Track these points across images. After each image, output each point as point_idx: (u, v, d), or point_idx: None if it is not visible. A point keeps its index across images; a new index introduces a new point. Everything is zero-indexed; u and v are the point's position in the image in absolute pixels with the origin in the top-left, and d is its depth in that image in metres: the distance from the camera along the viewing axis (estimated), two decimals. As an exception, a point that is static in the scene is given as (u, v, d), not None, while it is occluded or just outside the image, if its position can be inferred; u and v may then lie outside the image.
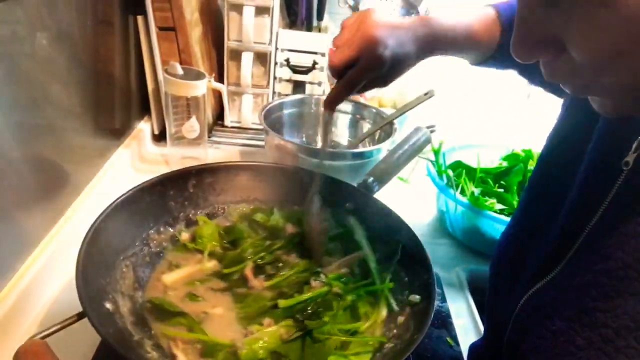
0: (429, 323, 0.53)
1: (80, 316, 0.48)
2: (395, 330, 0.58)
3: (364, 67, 0.61)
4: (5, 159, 0.64)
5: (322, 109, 1.12)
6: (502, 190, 0.98)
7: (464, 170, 1.01)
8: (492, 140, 1.11)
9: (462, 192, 0.95)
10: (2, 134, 0.63)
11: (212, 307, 0.61)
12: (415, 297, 0.59)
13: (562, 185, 0.51)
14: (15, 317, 0.65)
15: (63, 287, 0.73)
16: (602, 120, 0.48)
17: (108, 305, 0.52)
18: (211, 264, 0.66)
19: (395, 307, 0.62)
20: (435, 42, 0.65)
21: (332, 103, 0.66)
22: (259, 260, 0.67)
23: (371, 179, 0.76)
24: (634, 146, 0.42)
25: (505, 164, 1.04)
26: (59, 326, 0.46)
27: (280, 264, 0.68)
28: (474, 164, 1.01)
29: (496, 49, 0.69)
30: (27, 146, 0.69)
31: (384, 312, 0.62)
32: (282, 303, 0.60)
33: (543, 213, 0.54)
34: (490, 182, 1.00)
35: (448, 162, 1.02)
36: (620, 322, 0.40)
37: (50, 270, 0.72)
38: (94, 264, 0.54)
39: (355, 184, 0.76)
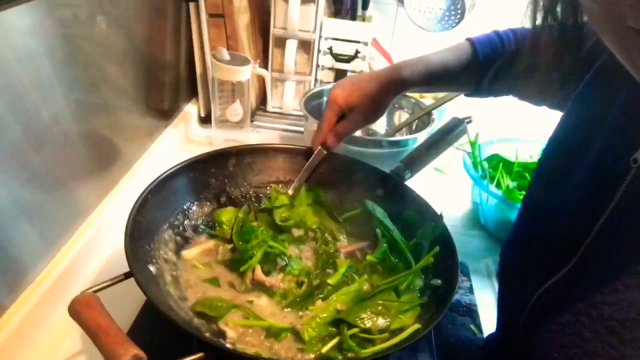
0: (448, 305, 0.55)
1: (127, 276, 0.53)
2: (420, 310, 0.61)
3: (326, 109, 0.74)
4: (64, 134, 0.70)
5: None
6: (539, 185, 0.97)
7: (501, 163, 1.00)
8: (532, 134, 1.10)
9: (498, 185, 0.95)
10: (62, 111, 0.69)
11: (256, 297, 0.63)
12: (437, 281, 0.61)
13: (568, 183, 0.52)
14: (72, 275, 0.71)
15: (114, 250, 0.80)
16: (611, 117, 0.48)
17: (152, 269, 0.57)
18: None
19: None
20: (395, 77, 0.72)
21: (313, 144, 0.76)
22: (268, 249, 0.67)
23: (404, 167, 0.78)
24: None
25: (544, 159, 1.02)
26: (108, 283, 0.52)
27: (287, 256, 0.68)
28: (511, 158, 1.00)
29: (478, 80, 0.74)
30: (83, 123, 0.75)
31: (418, 282, 0.65)
32: (332, 280, 0.63)
33: (552, 210, 0.54)
34: (528, 176, 0.99)
35: (485, 155, 1.02)
36: (626, 314, 0.40)
37: (102, 235, 0.79)
38: (140, 230, 0.59)
39: (388, 171, 0.77)
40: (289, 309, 0.62)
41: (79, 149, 0.75)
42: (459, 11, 1.14)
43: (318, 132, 0.75)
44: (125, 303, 0.66)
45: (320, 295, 0.62)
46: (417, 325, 0.56)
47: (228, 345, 0.52)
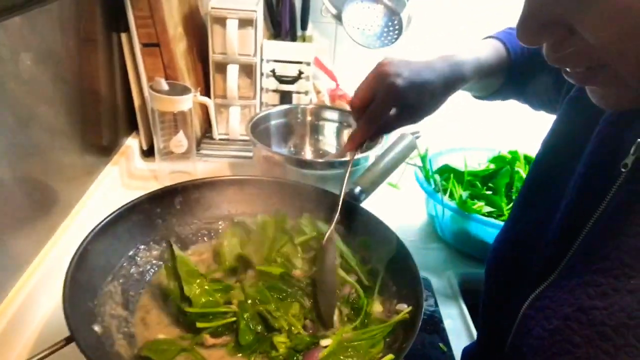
0: (417, 332, 0.53)
1: (68, 340, 0.48)
2: (387, 339, 0.59)
3: (381, 100, 0.62)
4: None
5: (308, 117, 1.13)
6: (490, 192, 0.99)
7: (452, 174, 1.02)
8: (478, 143, 1.12)
9: (451, 196, 0.96)
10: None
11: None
12: (403, 306, 0.60)
13: (558, 188, 0.52)
14: (6, 342, 0.64)
15: (54, 309, 0.73)
16: (603, 123, 0.49)
17: (97, 328, 0.52)
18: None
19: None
20: (457, 73, 0.65)
21: (354, 142, 0.67)
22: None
23: (358, 188, 0.76)
24: (632, 149, 0.43)
25: (492, 166, 1.05)
26: (47, 352, 0.47)
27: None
28: (461, 167, 1.02)
29: (505, 77, 0.72)
30: (14, 166, 0.69)
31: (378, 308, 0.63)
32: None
33: (539, 216, 0.55)
34: (479, 184, 1.01)
35: (436, 167, 1.03)
36: (617, 319, 0.40)
37: (41, 292, 0.72)
38: (82, 287, 0.54)
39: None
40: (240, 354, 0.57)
41: (10, 196, 0.69)
42: (397, 27, 1.15)
43: (364, 126, 0.65)
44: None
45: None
46: (390, 356, 0.54)
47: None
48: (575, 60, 0.37)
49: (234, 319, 0.59)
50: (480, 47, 0.71)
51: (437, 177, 0.97)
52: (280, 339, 0.58)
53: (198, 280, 0.61)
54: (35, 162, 0.77)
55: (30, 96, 0.74)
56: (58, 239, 0.80)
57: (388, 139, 0.99)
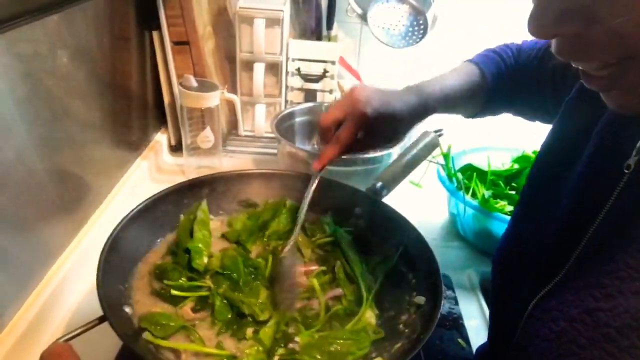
0: (435, 323, 0.54)
1: (101, 320, 0.50)
2: (406, 330, 0.60)
3: (350, 124, 0.66)
4: (29, 172, 0.68)
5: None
6: (513, 192, 0.98)
7: (474, 173, 1.02)
8: (503, 142, 1.11)
9: (474, 195, 0.96)
10: (25, 148, 0.66)
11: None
12: (421, 299, 0.60)
13: (559, 188, 0.52)
14: (41, 322, 0.68)
15: (86, 293, 0.77)
16: (603, 123, 0.48)
17: (127, 310, 0.55)
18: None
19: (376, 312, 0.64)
20: (423, 106, 0.69)
21: (322, 161, 0.69)
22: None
23: (379, 183, 0.77)
24: (635, 150, 0.42)
25: (516, 166, 1.04)
26: (81, 329, 0.49)
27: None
28: (485, 167, 1.02)
29: (485, 101, 0.75)
30: (49, 159, 0.73)
31: (370, 319, 0.63)
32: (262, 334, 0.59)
33: (541, 216, 0.55)
34: (502, 184, 1.00)
35: (459, 165, 1.03)
36: (621, 321, 0.40)
37: (74, 277, 0.76)
38: (113, 271, 0.57)
39: (363, 189, 0.77)
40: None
41: (45, 187, 0.73)
42: (422, 27, 1.16)
43: (332, 147, 0.67)
44: (102, 348, 0.63)
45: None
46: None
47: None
48: (594, 53, 0.34)
49: (207, 293, 0.62)
50: (451, 76, 0.73)
51: (459, 175, 0.97)
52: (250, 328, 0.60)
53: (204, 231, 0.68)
54: (69, 155, 0.80)
55: (65, 92, 0.77)
56: (90, 229, 0.84)
57: (411, 136, 0.99)
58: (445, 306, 0.82)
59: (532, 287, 0.51)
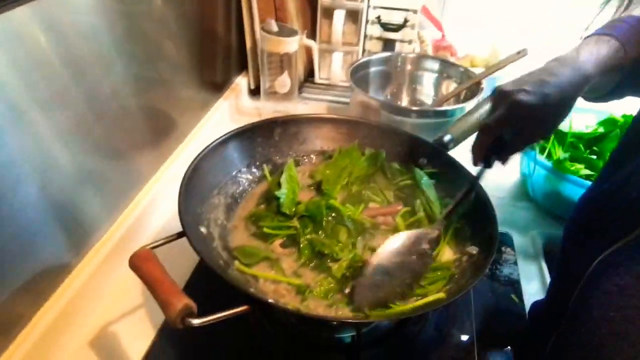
0: (484, 272, 0.56)
1: (180, 235, 0.57)
2: (456, 275, 0.62)
3: (501, 114, 0.59)
4: (123, 106, 0.75)
5: (408, 66, 1.14)
6: (594, 156, 0.94)
7: (553, 135, 0.97)
8: (590, 104, 1.05)
9: (549, 157, 0.93)
10: (121, 84, 0.74)
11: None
12: (474, 249, 0.62)
13: None
14: (132, 236, 0.78)
15: (169, 214, 0.86)
16: None
17: (202, 229, 0.62)
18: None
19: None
20: (580, 73, 0.59)
21: (474, 156, 0.63)
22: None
23: (448, 136, 0.78)
24: None
25: (601, 129, 0.99)
26: (163, 240, 0.57)
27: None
28: (565, 128, 0.97)
29: (622, 75, 0.64)
30: (141, 96, 0.80)
31: (449, 256, 0.66)
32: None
33: (628, 176, 0.53)
34: (582, 147, 0.96)
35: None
36: None
37: (159, 200, 0.85)
38: (192, 195, 0.64)
39: (430, 140, 0.78)
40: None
41: (137, 121, 0.80)
42: (514, -25, 1.09)
43: (482, 138, 0.61)
44: (180, 261, 0.71)
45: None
46: (440, 295, 0.57)
47: (270, 301, 0.55)
48: None
49: (294, 232, 0.69)
50: (591, 44, 0.63)
51: (535, 134, 0.94)
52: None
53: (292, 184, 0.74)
54: (157, 93, 0.87)
55: (158, 33, 0.83)
56: (174, 160, 0.92)
57: (484, 91, 0.97)
58: (503, 264, 0.83)
59: (604, 244, 0.51)
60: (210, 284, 0.54)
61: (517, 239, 0.89)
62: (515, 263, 0.84)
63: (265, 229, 0.69)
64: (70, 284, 0.66)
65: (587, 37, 0.67)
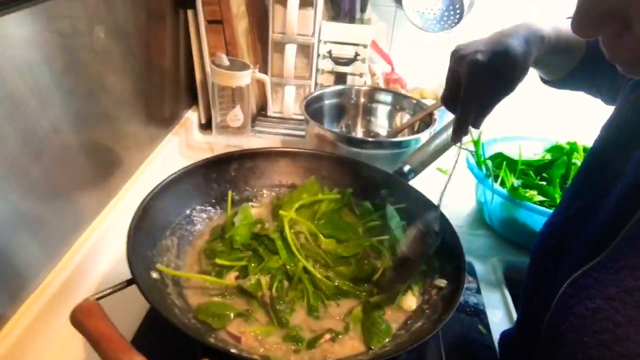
0: (456, 305, 0.54)
1: (129, 282, 0.52)
2: (427, 310, 0.60)
3: (468, 81, 0.58)
4: (64, 143, 0.70)
5: (362, 99, 1.14)
6: (544, 182, 0.96)
7: (504, 162, 1.00)
8: (536, 132, 1.09)
9: (502, 184, 0.95)
10: (61, 120, 0.69)
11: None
12: (442, 282, 0.60)
13: (614, 172, 0.52)
14: (74, 283, 0.71)
15: (116, 258, 0.79)
16: None
17: (154, 275, 0.57)
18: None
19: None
20: (536, 34, 0.60)
21: (460, 131, 0.62)
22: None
23: (407, 166, 0.78)
24: None
25: (548, 156, 1.02)
26: (110, 290, 0.51)
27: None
28: (515, 156, 1.00)
29: (580, 58, 0.68)
30: (83, 132, 0.75)
31: (410, 302, 0.64)
32: None
33: (592, 201, 0.55)
34: (532, 174, 0.98)
35: (489, 154, 1.01)
36: None
37: (104, 243, 0.78)
38: (143, 237, 0.59)
39: (391, 172, 0.77)
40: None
41: (79, 158, 0.75)
42: (458, 11, 1.13)
43: (464, 113, 0.60)
44: (129, 311, 0.65)
45: None
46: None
47: (233, 350, 0.51)
48: (629, 57, 0.36)
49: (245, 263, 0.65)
50: (553, 22, 0.65)
51: (489, 162, 0.96)
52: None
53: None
54: (101, 128, 0.82)
55: (101, 67, 0.79)
56: (120, 199, 0.86)
57: (441, 122, 0.98)
58: (467, 294, 0.82)
59: (570, 268, 0.51)
60: (163, 332, 0.49)
61: (478, 267, 0.88)
62: (479, 292, 0.83)
63: (217, 260, 0.64)
64: (4, 338, 0.59)
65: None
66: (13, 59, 0.58)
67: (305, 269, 0.64)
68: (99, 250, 0.77)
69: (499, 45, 0.57)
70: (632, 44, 0.34)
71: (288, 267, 0.64)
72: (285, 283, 0.63)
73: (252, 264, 0.65)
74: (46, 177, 0.66)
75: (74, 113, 0.72)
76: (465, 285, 0.74)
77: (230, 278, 0.63)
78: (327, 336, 0.57)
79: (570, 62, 0.71)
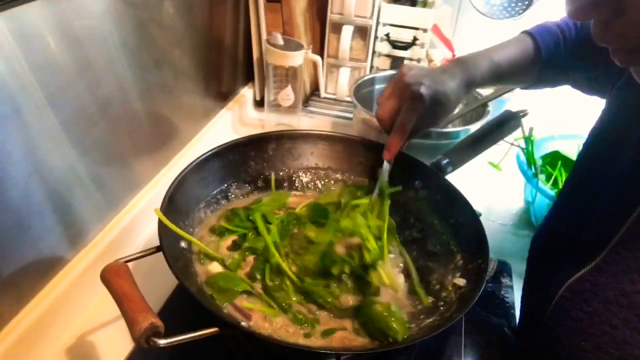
0: (470, 305, 0.53)
1: (158, 249, 0.56)
2: (442, 307, 0.59)
3: (408, 108, 0.65)
4: (127, 109, 0.75)
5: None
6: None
7: (560, 161, 0.95)
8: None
9: (555, 184, 0.90)
10: (130, 89, 0.74)
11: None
12: (461, 281, 0.59)
13: (605, 176, 0.52)
14: (123, 240, 0.77)
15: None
16: None
17: (182, 244, 0.61)
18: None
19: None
20: (470, 78, 0.68)
21: (391, 152, 0.69)
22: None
23: (446, 160, 0.76)
24: None
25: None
26: (139, 254, 0.55)
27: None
28: (573, 156, 0.94)
29: (539, 73, 0.72)
30: (145, 100, 0.80)
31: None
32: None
33: (585, 203, 0.55)
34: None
35: (546, 152, 0.96)
36: None
37: (151, 208, 0.83)
38: (177, 208, 0.62)
39: (428, 163, 0.76)
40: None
41: (138, 125, 0.80)
42: (527, -3, 1.07)
43: (397, 137, 0.67)
44: (165, 277, 0.70)
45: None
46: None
47: (243, 324, 0.54)
48: (620, 41, 0.35)
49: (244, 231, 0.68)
50: (501, 49, 0.71)
51: (539, 161, 0.91)
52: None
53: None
54: (162, 99, 0.87)
55: (166, 40, 0.84)
56: (172, 167, 0.92)
57: (490, 114, 0.94)
58: (499, 293, 0.80)
59: (569, 269, 0.52)
60: (190, 302, 0.52)
61: (516, 267, 0.85)
62: (512, 291, 0.80)
63: (221, 223, 0.68)
64: (54, 288, 0.65)
65: (521, 32, 0.74)
66: (90, 28, 0.63)
67: (279, 267, 0.64)
68: (148, 213, 0.83)
69: (441, 85, 0.64)
70: (624, 29, 0.34)
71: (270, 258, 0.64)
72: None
73: (251, 235, 0.67)
74: (108, 139, 0.72)
75: (138, 81, 0.76)
76: (500, 285, 0.74)
77: (227, 242, 0.66)
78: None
79: (526, 78, 0.74)
